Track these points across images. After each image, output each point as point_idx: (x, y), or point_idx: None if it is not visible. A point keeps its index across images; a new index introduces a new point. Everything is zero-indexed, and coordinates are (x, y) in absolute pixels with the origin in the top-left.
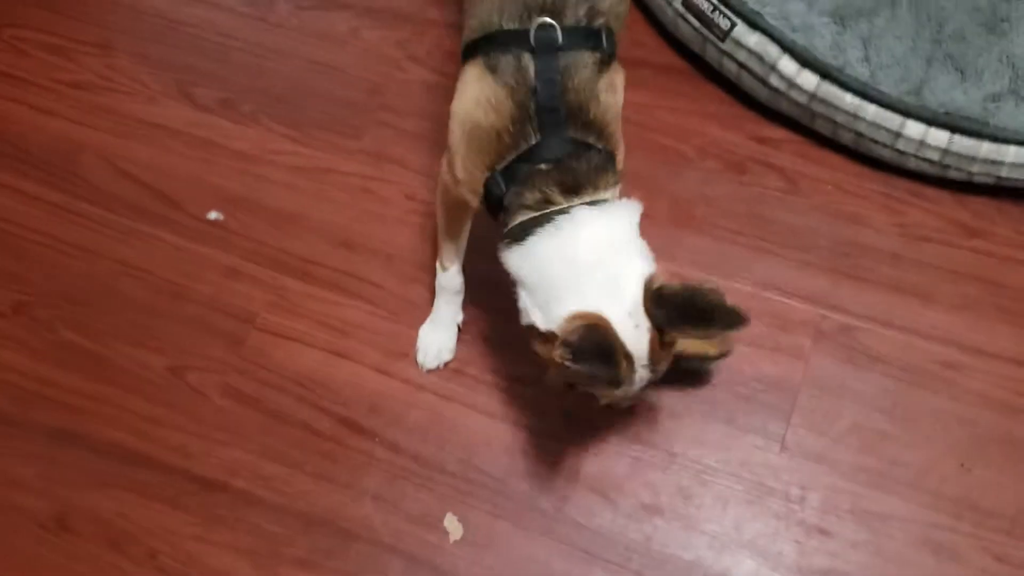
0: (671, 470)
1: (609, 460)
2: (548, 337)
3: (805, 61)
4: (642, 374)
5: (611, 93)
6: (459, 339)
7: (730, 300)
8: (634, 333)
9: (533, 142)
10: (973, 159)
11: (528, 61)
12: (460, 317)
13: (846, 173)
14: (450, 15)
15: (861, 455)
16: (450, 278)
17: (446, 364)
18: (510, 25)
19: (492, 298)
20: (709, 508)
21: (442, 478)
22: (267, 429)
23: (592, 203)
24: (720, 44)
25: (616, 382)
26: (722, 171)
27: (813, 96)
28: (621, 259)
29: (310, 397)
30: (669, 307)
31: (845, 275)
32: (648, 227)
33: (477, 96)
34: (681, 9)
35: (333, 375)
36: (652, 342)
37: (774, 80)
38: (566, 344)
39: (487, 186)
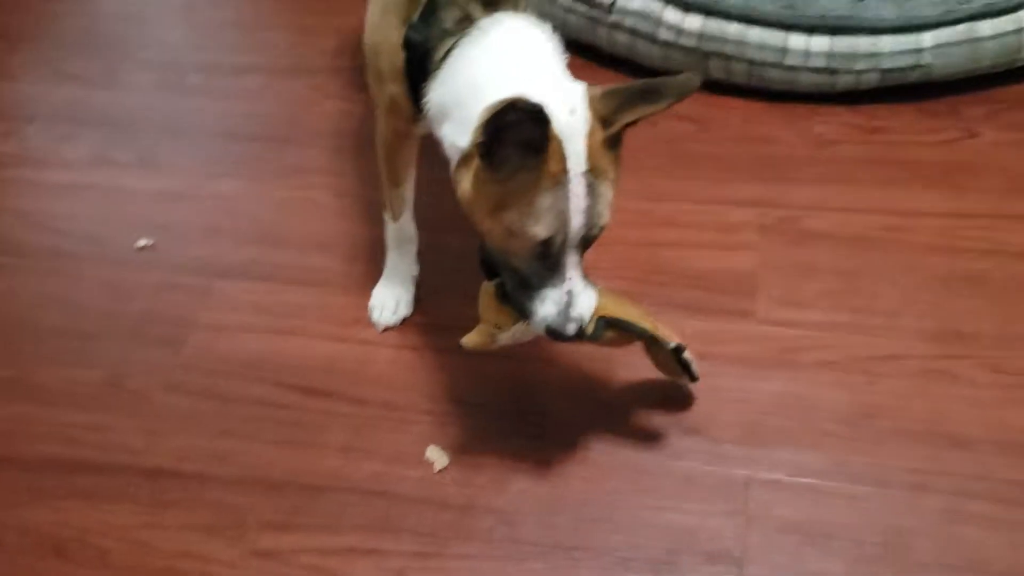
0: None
1: (586, 356)
2: (470, 152)
3: (687, 6)
4: (577, 187)
5: None
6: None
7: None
8: (568, 119)
9: None
10: (855, 56)
11: None
12: (416, 270)
13: (748, 109)
14: (357, 60)
15: (834, 312)
16: (401, 227)
17: (404, 320)
18: None
19: (445, 243)
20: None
21: (416, 417)
22: (217, 412)
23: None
24: (608, 18)
25: (544, 159)
26: (636, 128)
27: (701, 35)
28: (552, 59)
29: (261, 376)
30: (617, 95)
31: (772, 180)
32: None
33: None
34: (567, 3)
35: (283, 351)
36: (592, 139)
37: (663, 33)
38: (483, 122)
39: (408, 41)
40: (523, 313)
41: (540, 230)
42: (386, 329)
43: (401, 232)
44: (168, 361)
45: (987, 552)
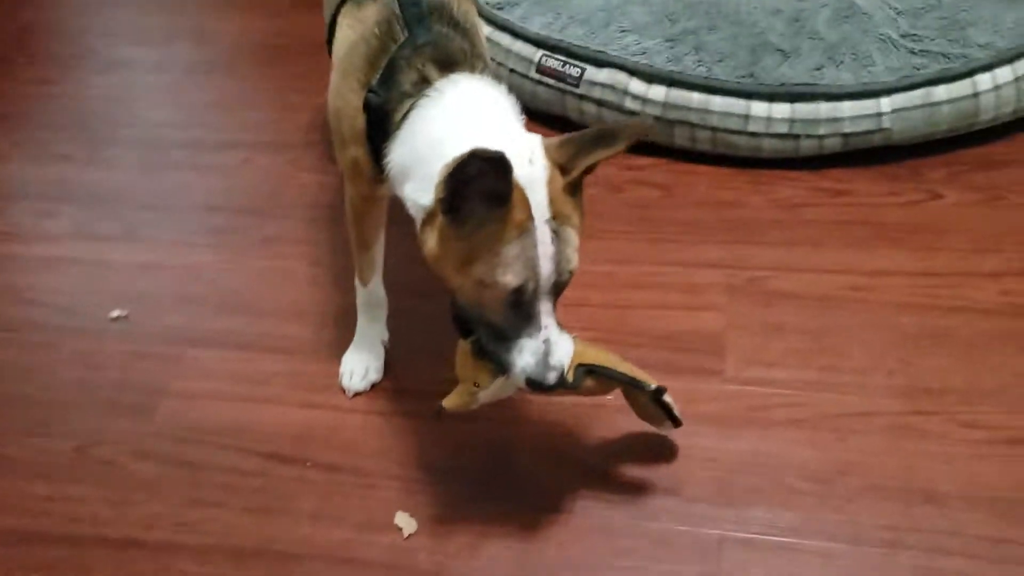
0: (619, 423)
1: (557, 417)
2: (434, 209)
3: (651, 77)
4: (543, 234)
5: (468, 2)
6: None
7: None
8: (528, 169)
9: (402, 38)
10: (817, 121)
11: None
12: (385, 335)
13: (714, 175)
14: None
15: (803, 371)
16: (371, 293)
17: (374, 385)
18: None
19: (414, 307)
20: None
21: (385, 483)
22: (187, 480)
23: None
24: (576, 91)
25: (509, 210)
26: (604, 194)
27: (665, 104)
28: (507, 115)
29: (232, 443)
30: (572, 142)
31: (738, 243)
32: None
33: (350, 23)
34: (536, 76)
35: (255, 420)
36: (552, 186)
37: (629, 103)
38: (445, 177)
39: (368, 103)
40: (502, 366)
41: (511, 279)
42: (356, 395)
43: (371, 297)
44: (138, 429)
45: None
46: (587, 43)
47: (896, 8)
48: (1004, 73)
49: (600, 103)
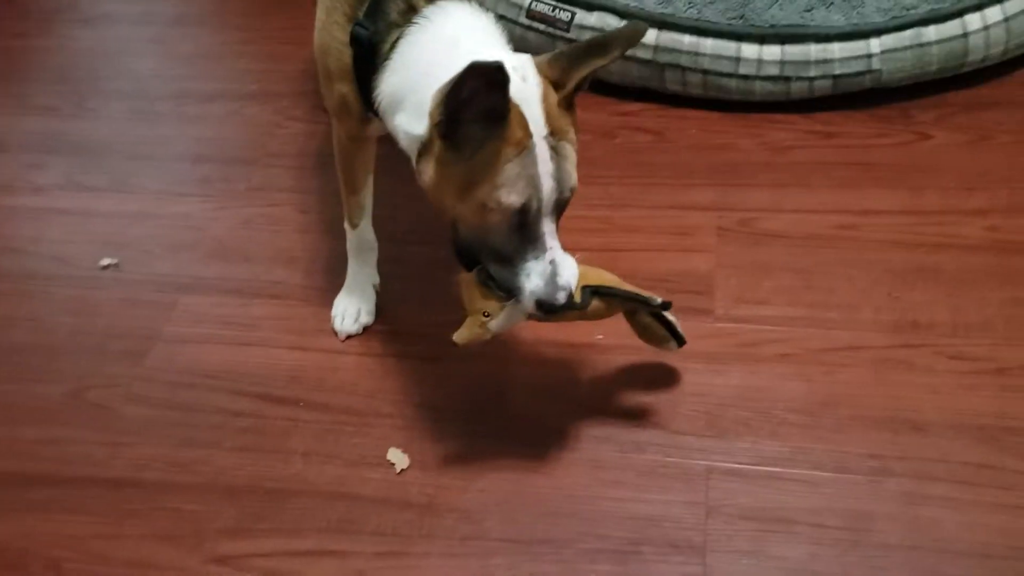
0: (610, 362)
1: (549, 356)
2: (430, 138)
3: (641, 19)
4: (542, 151)
5: None
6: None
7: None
8: (522, 86)
9: None
10: (807, 63)
11: None
12: (376, 279)
13: (704, 119)
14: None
15: (791, 308)
16: (361, 235)
17: (366, 328)
18: None
19: (404, 253)
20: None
21: (378, 421)
22: (179, 422)
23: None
24: (567, 35)
25: (509, 124)
26: (595, 140)
27: (656, 47)
28: (497, 40)
29: (223, 385)
30: (563, 56)
31: (728, 185)
32: None
33: None
34: (526, 21)
35: (245, 362)
36: (547, 100)
37: None
38: (442, 99)
39: (355, 36)
40: (511, 291)
41: (514, 199)
42: (348, 337)
43: (361, 240)
44: (130, 373)
45: (948, 532)
46: None
47: None
48: (993, 13)
49: None
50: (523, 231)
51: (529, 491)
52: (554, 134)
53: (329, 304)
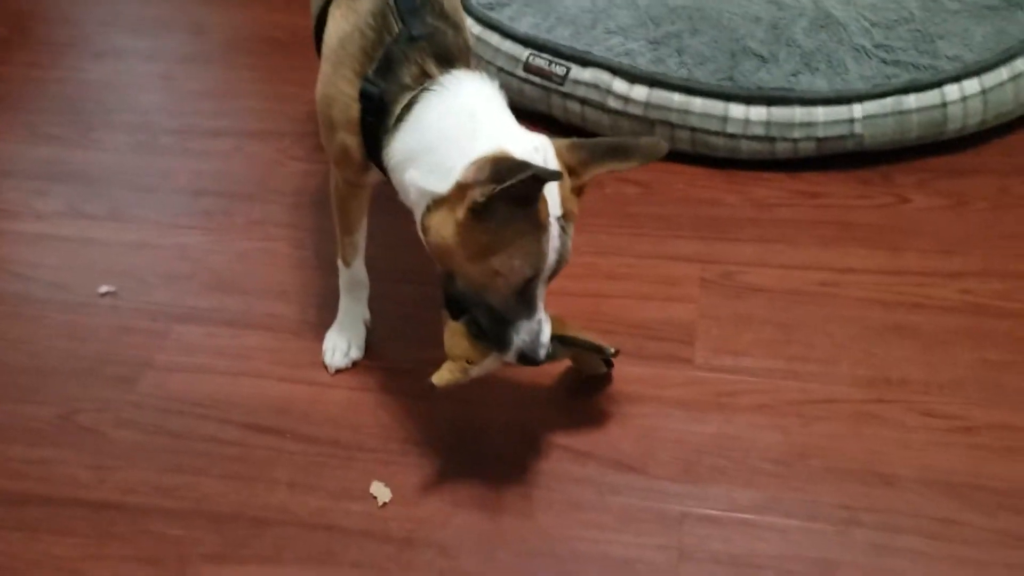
0: (591, 406)
1: (528, 398)
2: (448, 199)
3: (633, 77)
4: (554, 229)
5: None
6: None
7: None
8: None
9: (397, 29)
10: (792, 125)
11: None
12: (367, 315)
13: (692, 174)
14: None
15: (770, 360)
16: (354, 273)
17: (355, 363)
18: None
19: (394, 291)
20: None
21: (362, 455)
22: (167, 448)
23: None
24: (561, 88)
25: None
26: (587, 190)
27: (647, 104)
28: (506, 110)
29: (212, 414)
30: (583, 148)
31: (714, 239)
32: None
33: (342, 14)
34: (523, 74)
35: (235, 392)
36: (562, 187)
37: (612, 102)
38: (484, 177)
39: (364, 93)
40: (500, 345)
41: (527, 270)
42: (338, 371)
43: (353, 278)
44: (121, 398)
45: None
46: (573, 43)
47: (870, 20)
48: (971, 85)
49: (584, 101)
50: (522, 295)
51: (507, 529)
52: (565, 216)
53: (320, 338)
